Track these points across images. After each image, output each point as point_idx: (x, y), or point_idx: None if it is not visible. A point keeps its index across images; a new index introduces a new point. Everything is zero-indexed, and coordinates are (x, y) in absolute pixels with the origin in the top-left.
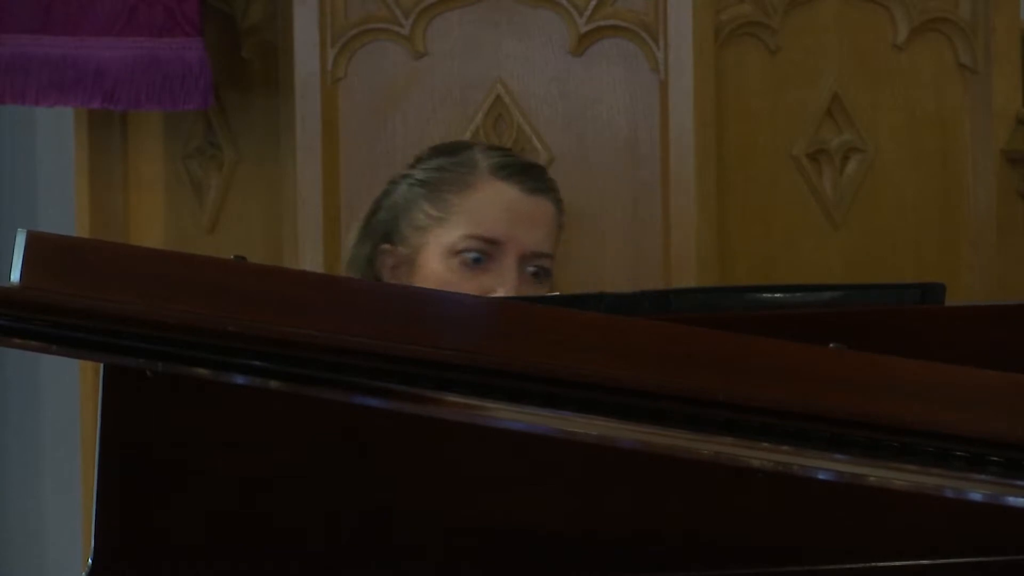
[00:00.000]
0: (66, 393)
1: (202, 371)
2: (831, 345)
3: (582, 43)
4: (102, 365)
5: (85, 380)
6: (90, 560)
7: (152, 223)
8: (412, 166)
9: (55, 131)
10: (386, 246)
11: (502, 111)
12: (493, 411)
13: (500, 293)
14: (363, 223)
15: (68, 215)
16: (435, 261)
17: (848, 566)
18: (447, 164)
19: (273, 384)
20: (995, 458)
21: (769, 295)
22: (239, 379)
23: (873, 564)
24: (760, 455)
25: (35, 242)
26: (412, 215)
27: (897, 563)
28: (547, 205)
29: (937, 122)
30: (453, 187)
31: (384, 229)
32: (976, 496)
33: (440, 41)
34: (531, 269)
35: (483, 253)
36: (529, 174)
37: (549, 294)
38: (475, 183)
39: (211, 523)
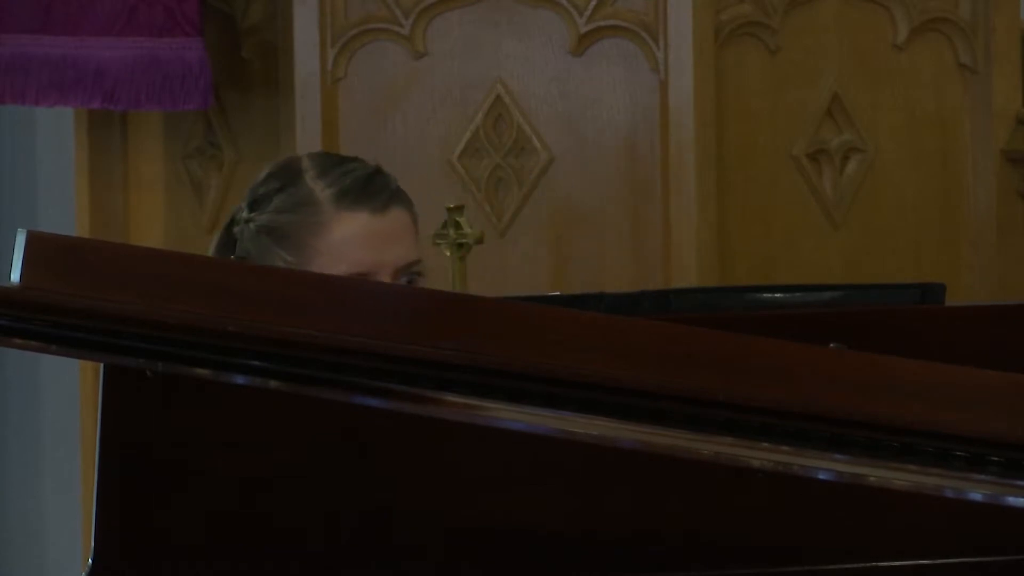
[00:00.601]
0: (66, 393)
1: (202, 371)
2: (831, 345)
3: (582, 43)
4: (102, 365)
5: (85, 380)
6: (90, 560)
7: (152, 223)
8: (251, 207)
9: (55, 131)
10: None
11: (502, 111)
12: (493, 411)
13: None
14: None
15: (68, 215)
16: None
17: (848, 566)
18: (286, 204)
19: (273, 384)
20: (995, 458)
21: (769, 295)
22: (239, 379)
23: (873, 564)
24: (760, 455)
25: (35, 242)
26: (270, 263)
27: (897, 563)
28: (400, 214)
29: (937, 122)
30: (303, 230)
31: None
32: (976, 496)
33: (440, 41)
34: (404, 280)
35: None
36: (371, 190)
37: (549, 294)
38: (325, 222)
39: (211, 523)
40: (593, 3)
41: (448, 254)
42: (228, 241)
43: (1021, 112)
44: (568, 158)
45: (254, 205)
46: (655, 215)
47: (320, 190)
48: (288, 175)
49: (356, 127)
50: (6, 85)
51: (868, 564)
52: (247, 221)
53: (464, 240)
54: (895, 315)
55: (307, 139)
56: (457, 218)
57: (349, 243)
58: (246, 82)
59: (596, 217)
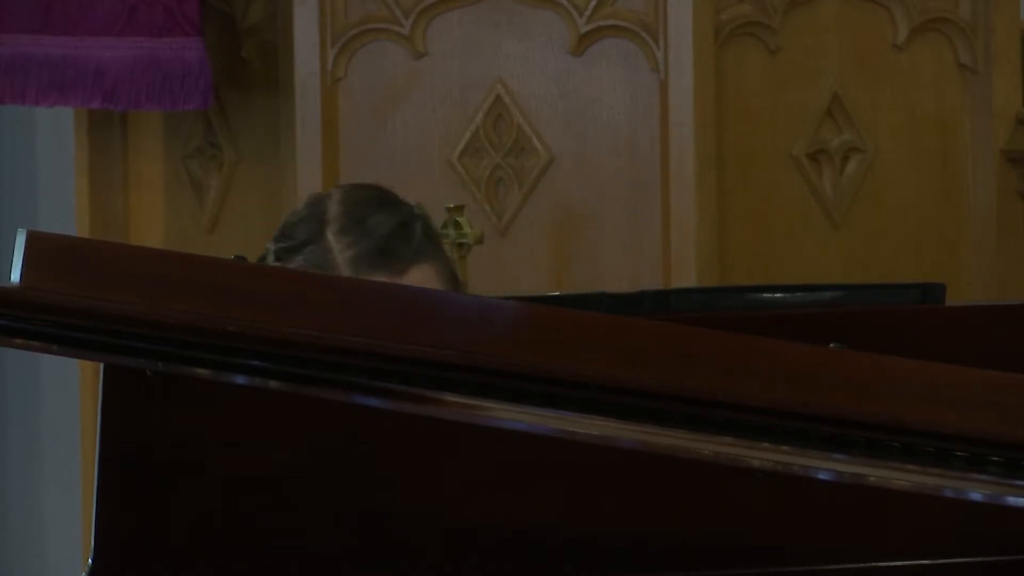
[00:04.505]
0: (66, 393)
1: (202, 371)
2: (831, 345)
3: (582, 43)
4: (102, 365)
5: (85, 380)
6: (90, 560)
7: (152, 223)
8: (278, 256)
9: (55, 131)
10: None
11: (502, 111)
12: (493, 411)
13: None
14: None
15: (68, 215)
16: None
17: (848, 566)
18: (308, 263)
19: (273, 384)
20: (995, 458)
21: (769, 295)
22: (239, 379)
23: (873, 564)
24: (760, 455)
25: (35, 242)
26: None
27: (897, 563)
28: (421, 271)
29: (937, 122)
30: None
31: None
32: (976, 496)
33: (440, 41)
34: None
35: None
36: (389, 251)
37: (549, 294)
38: None
39: (211, 523)
40: (593, 3)
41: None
42: None
43: (1021, 112)
44: (568, 158)
45: (281, 254)
46: (655, 215)
47: (339, 252)
48: (313, 228)
49: (356, 127)
50: (6, 85)
51: (868, 564)
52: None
53: (464, 240)
54: (895, 315)
55: (307, 139)
56: (457, 218)
57: None
58: (246, 82)
59: (596, 217)
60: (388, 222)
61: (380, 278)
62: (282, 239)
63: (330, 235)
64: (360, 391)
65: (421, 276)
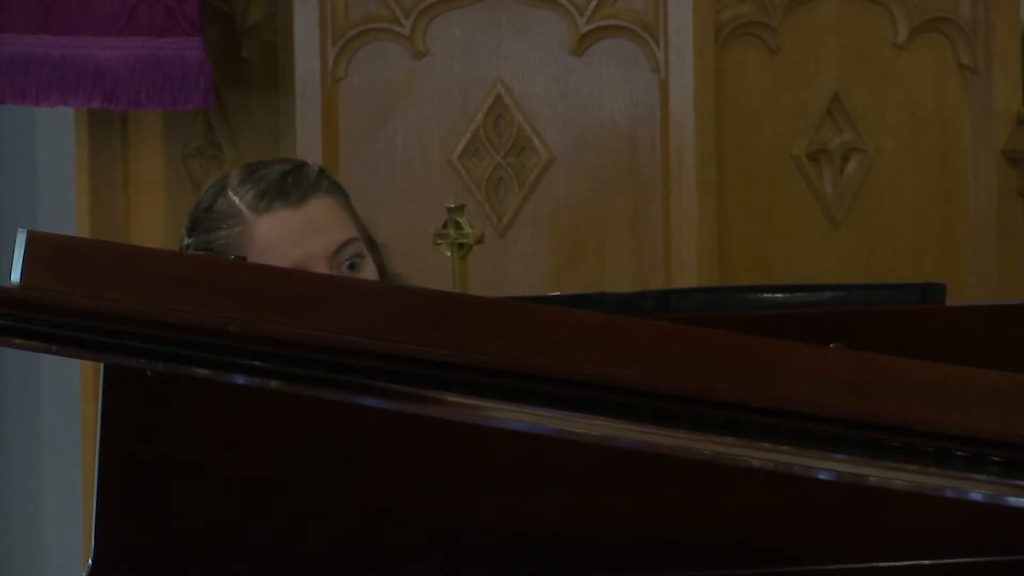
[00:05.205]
0: (66, 393)
1: (202, 371)
2: (831, 345)
3: (582, 43)
4: (102, 365)
5: (85, 380)
6: (90, 560)
7: (152, 223)
8: (188, 232)
9: (55, 131)
10: None
11: (502, 111)
12: (493, 411)
13: None
14: None
15: (68, 215)
16: None
17: (848, 566)
18: (214, 222)
19: (273, 384)
20: (995, 458)
21: (769, 295)
22: (239, 379)
23: (873, 564)
24: (760, 455)
25: (35, 242)
26: None
27: (897, 563)
28: (320, 202)
29: (937, 122)
30: (232, 242)
31: None
32: (976, 496)
33: (440, 41)
34: (345, 263)
35: None
36: (286, 186)
37: (549, 294)
38: (248, 229)
39: (211, 523)
40: (593, 3)
41: (448, 254)
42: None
43: (1021, 112)
44: (568, 158)
45: (191, 228)
46: (655, 215)
47: (239, 199)
48: (214, 192)
49: (356, 127)
50: (6, 85)
51: (868, 564)
52: (187, 247)
53: (464, 240)
54: (895, 315)
55: (307, 139)
56: (457, 218)
57: (273, 243)
58: (246, 82)
59: (596, 217)
60: (281, 167)
61: (280, 212)
62: (191, 214)
63: (230, 191)
64: (360, 391)
65: (323, 206)
